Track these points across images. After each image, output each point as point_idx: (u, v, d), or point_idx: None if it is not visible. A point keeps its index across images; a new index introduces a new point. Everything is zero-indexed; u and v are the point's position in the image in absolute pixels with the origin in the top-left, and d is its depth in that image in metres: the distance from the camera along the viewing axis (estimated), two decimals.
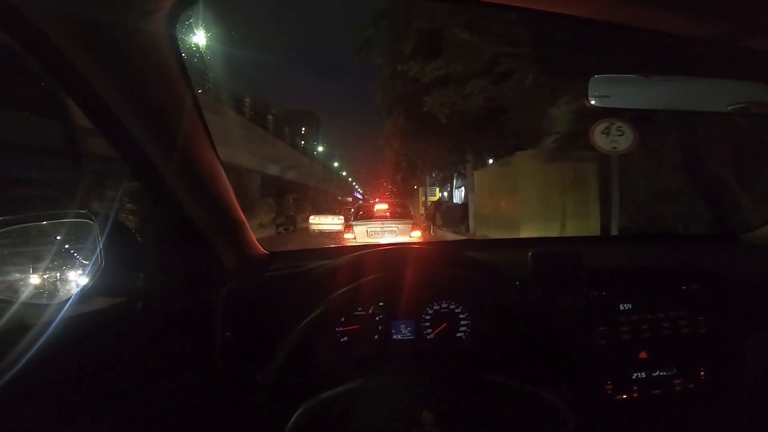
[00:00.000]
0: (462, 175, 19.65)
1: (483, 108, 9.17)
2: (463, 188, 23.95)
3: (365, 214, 10.27)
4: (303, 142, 41.84)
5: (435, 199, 28.77)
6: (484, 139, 11.65)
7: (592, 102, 1.02)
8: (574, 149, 8.63)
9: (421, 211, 28.71)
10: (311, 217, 16.65)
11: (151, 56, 0.76)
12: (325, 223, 15.22)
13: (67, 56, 0.68)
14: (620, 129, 5.09)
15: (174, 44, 0.77)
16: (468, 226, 14.74)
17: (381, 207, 10.91)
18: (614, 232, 5.36)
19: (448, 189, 27.89)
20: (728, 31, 0.79)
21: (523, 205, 10.09)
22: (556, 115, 8.80)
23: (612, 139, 5.14)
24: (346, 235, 8.99)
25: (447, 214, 17.43)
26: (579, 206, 9.35)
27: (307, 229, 16.08)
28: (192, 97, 0.87)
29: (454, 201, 24.41)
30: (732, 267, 1.29)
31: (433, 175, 24.84)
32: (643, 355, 1.15)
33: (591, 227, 8.82)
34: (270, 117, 28.99)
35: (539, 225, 9.43)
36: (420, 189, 31.20)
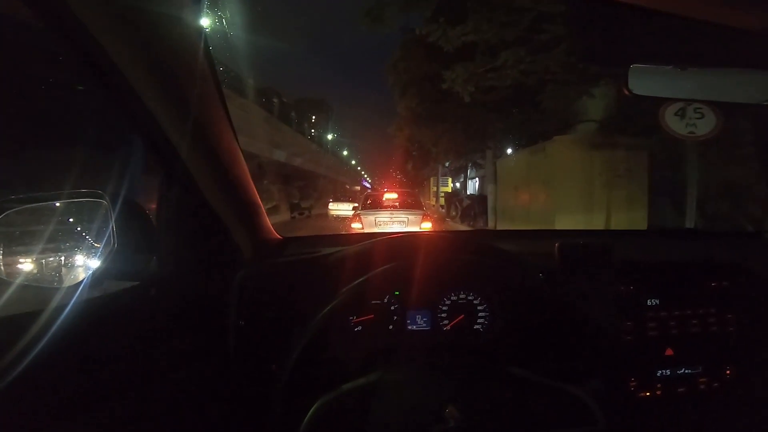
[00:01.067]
0: (477, 165, 19.06)
1: (515, 85, 7.96)
2: (477, 179, 23.36)
3: (374, 203, 9.73)
4: (313, 131, 41.88)
5: (448, 189, 27.87)
6: (512, 122, 10.59)
7: (632, 91, 1.00)
8: (620, 134, 7.82)
9: (432, 202, 28.33)
10: (330, 204, 20.01)
11: (174, 36, 0.74)
12: (341, 209, 17.75)
13: (90, 33, 0.66)
14: (699, 111, 4.23)
15: (197, 25, 0.75)
16: (486, 220, 13.74)
17: (390, 196, 10.18)
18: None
19: (461, 180, 27.04)
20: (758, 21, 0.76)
21: (559, 197, 9.00)
22: (602, 95, 7.99)
23: (688, 123, 4.30)
24: (354, 225, 8.47)
25: (464, 206, 16.56)
26: (624, 200, 8.36)
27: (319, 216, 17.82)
28: (214, 78, 0.84)
29: (468, 192, 23.80)
30: (760, 263, 1.26)
31: (446, 165, 23.97)
32: (669, 352, 1.13)
33: (638, 225, 7.91)
34: (275, 101, 28.53)
35: (578, 220, 8.35)
36: (431, 179, 30.40)
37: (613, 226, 8.02)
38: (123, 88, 0.75)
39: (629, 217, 8.11)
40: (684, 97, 1.13)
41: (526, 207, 10.82)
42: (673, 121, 4.35)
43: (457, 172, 25.23)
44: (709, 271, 1.21)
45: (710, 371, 1.14)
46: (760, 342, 1.18)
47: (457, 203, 17.72)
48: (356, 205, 12.02)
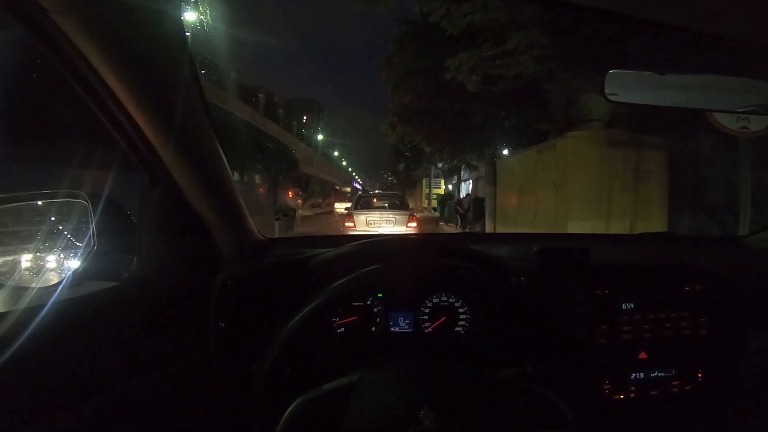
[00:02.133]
0: (471, 167, 18.44)
1: (525, 74, 7.09)
2: (470, 181, 22.75)
3: (365, 204, 10.64)
4: (303, 131, 41.58)
5: (440, 192, 27.64)
6: (518, 117, 9.79)
7: (609, 97, 1.01)
8: (639, 131, 7.25)
9: (425, 204, 28.75)
10: (336, 204, 25.29)
11: (153, 36, 0.74)
12: (343, 207, 21.35)
13: (70, 39, 0.66)
14: None
15: (177, 25, 0.75)
16: (484, 224, 13.12)
17: (380, 198, 11.48)
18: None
19: (454, 182, 26.30)
20: (747, 29, 0.77)
21: (572, 200, 8.07)
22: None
23: (740, 117, 3.84)
24: (347, 223, 9.45)
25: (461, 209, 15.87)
26: (644, 204, 7.67)
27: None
28: (194, 79, 0.84)
29: (461, 195, 23.06)
30: (735, 269, 1.28)
31: (439, 166, 23.27)
32: (642, 355, 1.14)
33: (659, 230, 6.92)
34: (261, 96, 27.55)
35: (594, 226, 7.68)
36: (424, 181, 30.26)
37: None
38: (103, 91, 0.75)
39: (649, 224, 7.38)
40: (660, 104, 1.13)
41: (532, 211, 9.80)
42: (722, 115, 3.87)
43: (450, 174, 24.55)
44: (683, 275, 1.23)
45: (683, 374, 1.16)
46: (732, 346, 1.20)
47: (457, 207, 16.81)
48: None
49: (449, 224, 16.32)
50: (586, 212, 7.85)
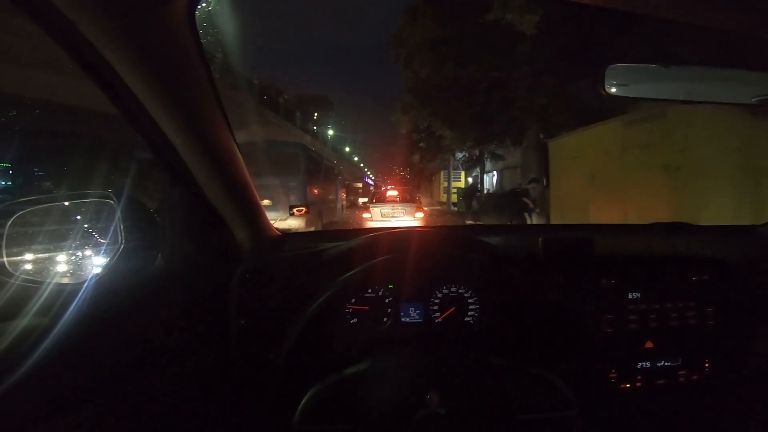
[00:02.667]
0: (496, 157, 17.07)
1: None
2: (495, 173, 21.36)
3: (380, 198, 12.99)
4: (315, 128, 41.55)
5: (460, 185, 25.66)
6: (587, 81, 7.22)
7: (610, 91, 1.01)
8: None
9: (443, 198, 26.67)
10: (359, 198, 25.01)
11: (170, 42, 0.77)
12: (362, 201, 21.27)
13: (89, 40, 0.70)
14: None
15: (193, 30, 0.78)
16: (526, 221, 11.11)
17: (392, 193, 13.43)
18: None
19: (474, 174, 24.61)
20: (750, 22, 0.78)
21: (698, 190, 5.91)
22: None
23: None
24: (365, 215, 11.78)
25: (490, 204, 13.97)
26: None
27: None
28: (210, 81, 0.88)
29: (485, 187, 22.05)
30: (746, 258, 1.28)
31: (459, 156, 21.47)
32: (649, 344, 1.15)
33: None
34: (256, 81, 27.06)
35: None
36: (441, 174, 27.73)
37: None
38: (128, 97, 0.80)
39: None
40: (662, 98, 1.14)
41: (618, 203, 7.35)
42: None
43: (473, 166, 22.93)
44: (690, 265, 1.23)
45: (689, 364, 1.17)
46: (739, 336, 1.21)
47: (478, 200, 15.63)
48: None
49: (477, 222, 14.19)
50: (725, 206, 5.66)
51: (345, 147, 53.98)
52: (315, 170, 12.34)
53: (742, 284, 1.22)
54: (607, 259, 1.20)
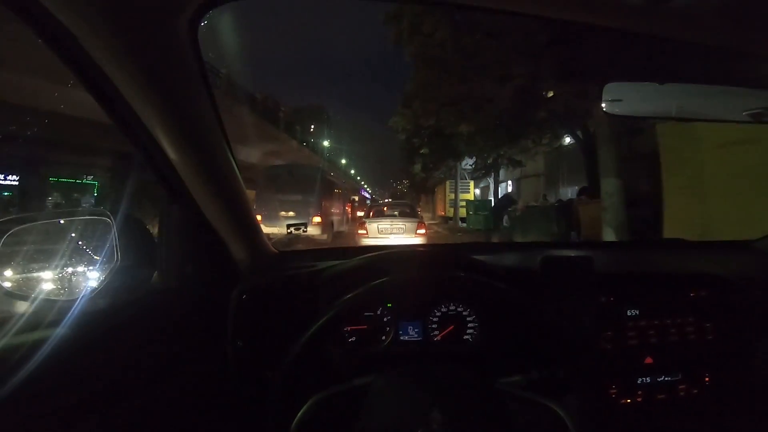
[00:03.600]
0: (513, 163, 15.18)
1: None
2: (510, 182, 20.18)
3: (377, 213, 10.94)
4: (312, 140, 41.68)
5: (469, 197, 22.26)
6: None
7: (607, 109, 1.02)
8: None
9: (449, 212, 22.99)
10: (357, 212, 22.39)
11: (171, 58, 0.77)
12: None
13: (89, 54, 0.69)
14: None
15: (195, 47, 0.78)
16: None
17: (390, 208, 11.68)
18: None
19: (483, 185, 22.93)
20: (743, 39, 0.79)
21: None
22: None
23: None
24: (360, 231, 9.61)
25: (531, 219, 11.09)
26: None
27: None
28: (210, 97, 0.88)
29: (496, 198, 19.65)
30: (743, 273, 1.28)
31: (468, 163, 18.97)
32: (648, 360, 1.15)
33: None
34: (282, 113, 27.35)
35: None
36: (447, 184, 23.94)
37: None
38: (127, 113, 0.80)
39: None
40: (659, 115, 1.15)
41: None
42: None
43: (485, 175, 19.57)
44: (688, 281, 1.23)
45: (689, 379, 1.17)
46: (740, 350, 1.21)
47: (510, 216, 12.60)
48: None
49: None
50: None
51: (341, 159, 54.10)
52: (328, 189, 14.25)
53: (740, 299, 1.22)
54: (605, 276, 1.20)
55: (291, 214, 11.63)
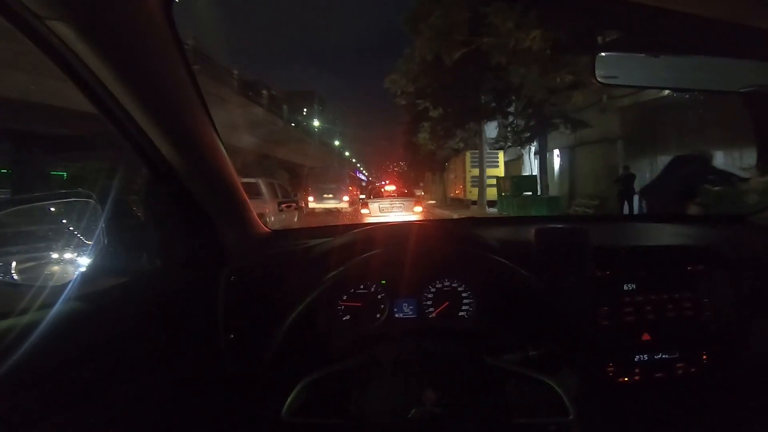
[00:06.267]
0: (572, 125, 11.62)
1: None
2: (558, 151, 15.01)
3: (377, 194, 12.75)
4: (305, 123, 41.21)
5: (498, 173, 17.68)
6: None
7: (599, 80, 1.00)
8: None
9: (472, 194, 18.20)
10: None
11: (147, 36, 0.75)
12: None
13: (59, 36, 0.67)
14: None
15: (171, 25, 0.75)
16: None
17: (389, 188, 13.41)
18: None
19: (514, 158, 18.13)
20: (739, 10, 0.77)
21: None
22: None
23: None
24: (363, 210, 11.43)
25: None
26: None
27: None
28: (190, 75, 0.85)
29: (530, 173, 15.71)
30: (740, 248, 1.26)
31: (491, 134, 15.16)
32: (646, 337, 1.15)
33: None
34: (265, 92, 26.49)
35: None
36: (467, 156, 18.78)
37: None
38: (102, 92, 0.78)
39: None
40: (652, 86, 1.13)
41: None
42: None
43: (526, 141, 14.26)
44: (684, 255, 1.22)
45: (687, 356, 1.16)
46: (737, 327, 1.19)
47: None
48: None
49: None
50: None
51: (334, 141, 53.38)
52: (351, 179, 22.08)
53: (737, 274, 1.21)
54: (600, 250, 1.19)
55: (330, 196, 17.82)
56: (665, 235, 1.48)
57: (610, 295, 1.15)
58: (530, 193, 13.69)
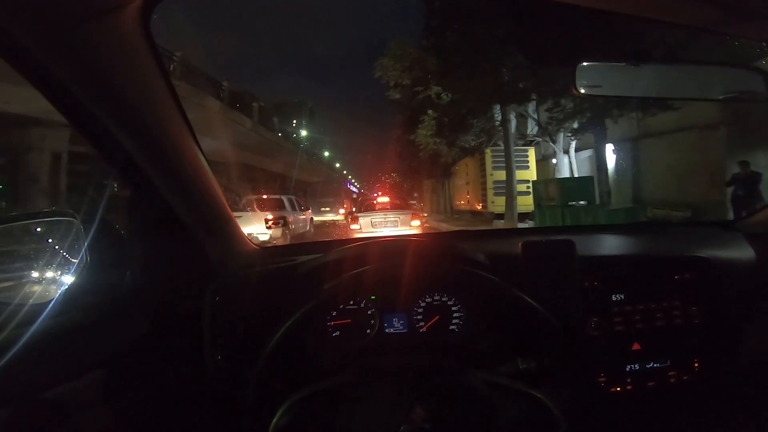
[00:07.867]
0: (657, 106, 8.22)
1: None
2: (612, 148, 11.42)
3: (368, 207, 11.17)
4: (294, 135, 41.18)
5: (530, 175, 13.61)
6: None
7: (581, 90, 1.01)
8: None
9: (496, 204, 13.71)
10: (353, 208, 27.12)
11: (124, 50, 0.73)
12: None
13: (36, 53, 0.66)
14: None
15: (148, 37, 0.74)
16: None
17: (383, 200, 12.14)
18: None
19: (539, 159, 14.19)
20: (719, 19, 0.78)
21: None
22: None
23: None
24: (352, 226, 9.80)
25: None
26: None
27: None
28: (169, 89, 0.84)
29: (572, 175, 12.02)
30: (727, 254, 1.27)
31: (549, 126, 11.18)
32: (636, 346, 1.14)
33: None
34: (255, 105, 25.38)
35: None
36: (488, 153, 14.21)
37: None
38: (84, 113, 0.77)
39: None
40: (633, 95, 1.14)
41: None
42: None
43: (579, 134, 11.04)
44: (672, 264, 1.22)
45: (679, 365, 1.15)
46: (727, 333, 1.19)
47: None
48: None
49: None
50: None
51: (323, 151, 53.15)
52: (345, 193, 29.38)
53: (726, 281, 1.21)
54: (588, 260, 1.18)
55: (327, 209, 19.89)
56: (652, 243, 1.48)
57: (599, 305, 1.14)
58: (585, 202, 10.06)
